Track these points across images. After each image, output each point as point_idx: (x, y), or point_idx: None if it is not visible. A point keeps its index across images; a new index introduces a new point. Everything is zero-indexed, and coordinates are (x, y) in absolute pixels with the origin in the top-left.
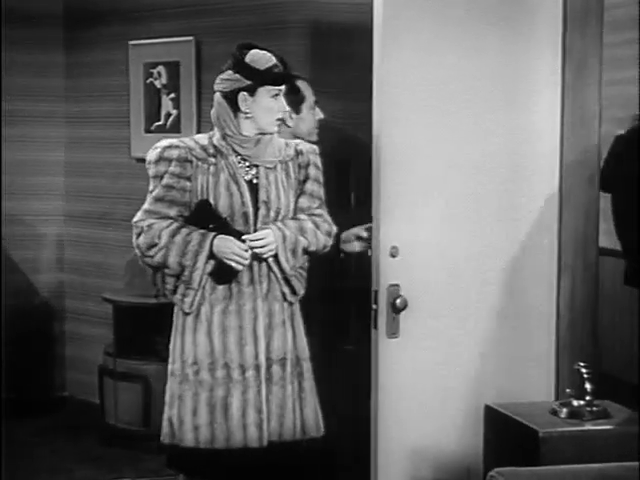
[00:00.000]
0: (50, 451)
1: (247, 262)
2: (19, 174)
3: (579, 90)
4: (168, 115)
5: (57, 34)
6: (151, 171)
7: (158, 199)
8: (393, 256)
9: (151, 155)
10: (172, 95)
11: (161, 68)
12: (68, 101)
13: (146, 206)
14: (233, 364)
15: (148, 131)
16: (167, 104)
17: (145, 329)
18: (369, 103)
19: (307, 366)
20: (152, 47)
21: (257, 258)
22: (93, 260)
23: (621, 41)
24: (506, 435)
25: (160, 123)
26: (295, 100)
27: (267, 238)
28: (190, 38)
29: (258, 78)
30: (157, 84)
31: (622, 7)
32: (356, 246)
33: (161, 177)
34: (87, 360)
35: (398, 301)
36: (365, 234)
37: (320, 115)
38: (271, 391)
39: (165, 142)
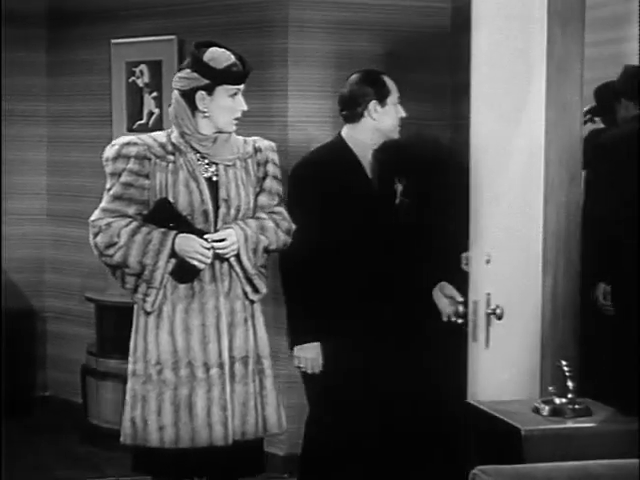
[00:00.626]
0: (32, 450)
1: (209, 261)
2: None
3: (561, 88)
4: (150, 114)
5: (39, 33)
6: (109, 168)
7: (116, 197)
8: (487, 262)
9: (109, 152)
10: (154, 94)
11: (143, 67)
12: (50, 100)
13: (104, 204)
14: (197, 362)
15: (130, 130)
16: (149, 103)
17: (128, 328)
18: None
19: (268, 363)
20: (134, 46)
21: (219, 256)
22: (75, 259)
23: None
24: (488, 433)
25: (142, 122)
26: (381, 93)
27: (229, 238)
28: (172, 37)
29: (216, 77)
30: (139, 83)
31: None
32: (446, 305)
33: (119, 175)
34: (70, 359)
35: (498, 310)
36: (460, 300)
37: (402, 113)
38: (234, 389)
39: (123, 139)
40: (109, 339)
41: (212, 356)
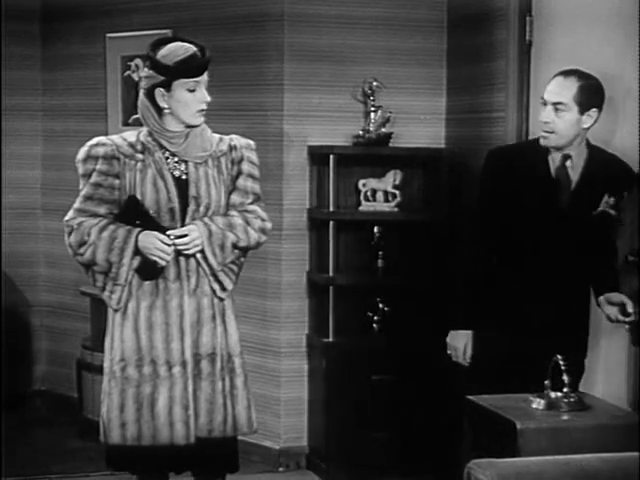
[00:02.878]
0: (27, 445)
1: (169, 257)
2: None
3: None
4: None
5: (34, 27)
6: (80, 170)
7: (87, 197)
8: None
9: (79, 154)
10: None
11: (138, 61)
12: (45, 94)
13: (76, 205)
14: (160, 360)
15: (126, 124)
16: None
17: None
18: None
19: (239, 362)
20: (129, 40)
21: (182, 253)
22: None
23: None
24: (485, 427)
25: (138, 116)
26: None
27: (192, 233)
28: (167, 31)
29: (169, 73)
30: (135, 77)
31: None
32: (612, 313)
33: (89, 175)
34: (65, 354)
35: None
36: (631, 310)
37: (543, 118)
38: (200, 387)
39: (93, 140)
40: (104, 333)
41: (175, 354)
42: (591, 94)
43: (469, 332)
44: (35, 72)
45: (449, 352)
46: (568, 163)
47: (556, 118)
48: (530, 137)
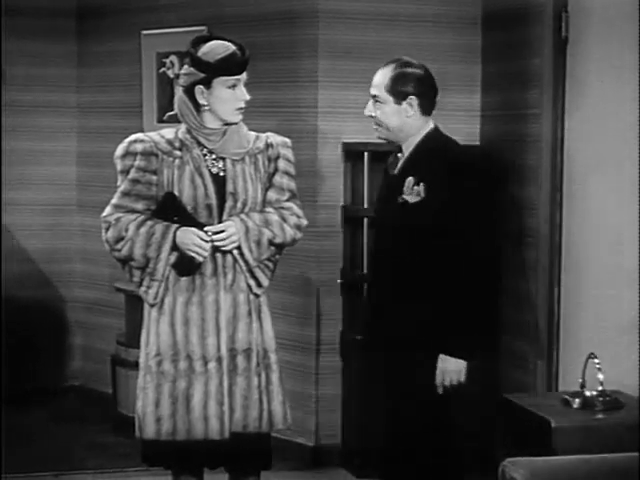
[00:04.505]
0: (62, 440)
1: (207, 253)
2: (31, 164)
3: None
4: None
5: (69, 24)
6: (118, 166)
7: (125, 193)
8: None
9: (118, 150)
10: None
11: (174, 58)
12: (80, 91)
13: (114, 201)
14: (195, 356)
15: (161, 121)
16: None
17: None
18: None
19: (274, 358)
20: (164, 37)
21: (220, 249)
22: (104, 250)
23: None
24: (520, 425)
25: (173, 113)
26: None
27: (229, 229)
28: (202, 28)
29: (211, 70)
30: (170, 74)
31: None
32: (438, 380)
33: (127, 171)
34: (99, 349)
35: None
36: None
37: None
38: (235, 382)
39: (131, 137)
40: (138, 329)
41: (210, 350)
42: (404, 83)
43: None
44: (70, 69)
45: None
46: (399, 154)
47: (377, 111)
48: (565, 134)
